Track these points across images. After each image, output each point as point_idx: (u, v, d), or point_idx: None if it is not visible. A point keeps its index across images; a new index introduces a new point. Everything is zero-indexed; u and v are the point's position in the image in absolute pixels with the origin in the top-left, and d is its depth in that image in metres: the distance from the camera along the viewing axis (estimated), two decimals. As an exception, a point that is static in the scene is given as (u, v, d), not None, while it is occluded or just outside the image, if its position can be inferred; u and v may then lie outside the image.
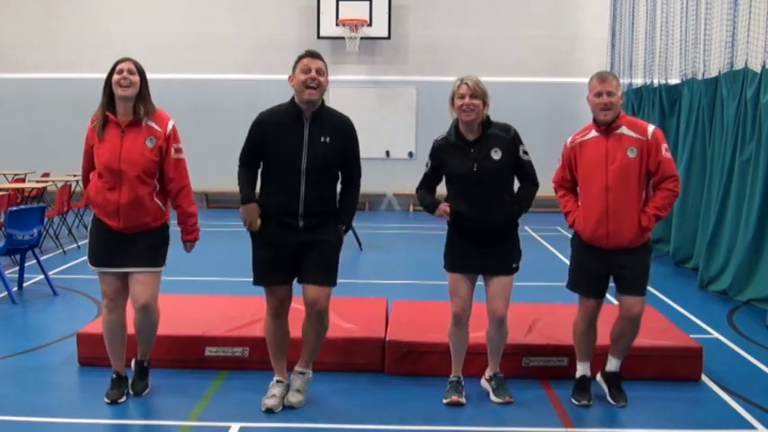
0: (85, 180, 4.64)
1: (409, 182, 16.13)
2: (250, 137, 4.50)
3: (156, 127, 4.47)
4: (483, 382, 4.88)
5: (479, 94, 4.46)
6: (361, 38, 15.48)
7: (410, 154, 16.20)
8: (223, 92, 16.00)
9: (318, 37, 15.33)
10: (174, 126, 4.55)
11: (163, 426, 4.40)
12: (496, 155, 4.50)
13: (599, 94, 4.50)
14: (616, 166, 4.48)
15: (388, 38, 15.73)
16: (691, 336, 5.60)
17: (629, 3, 13.01)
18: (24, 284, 7.84)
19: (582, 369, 4.81)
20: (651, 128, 4.58)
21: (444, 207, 4.59)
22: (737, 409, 4.71)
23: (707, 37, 9.28)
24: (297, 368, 4.65)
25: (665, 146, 4.55)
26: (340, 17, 15.44)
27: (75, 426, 4.40)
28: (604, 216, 4.49)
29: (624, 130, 4.55)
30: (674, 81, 10.66)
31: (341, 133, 4.45)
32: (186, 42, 15.93)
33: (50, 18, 16.01)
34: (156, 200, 4.52)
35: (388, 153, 16.09)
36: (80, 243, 10.65)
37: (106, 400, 4.62)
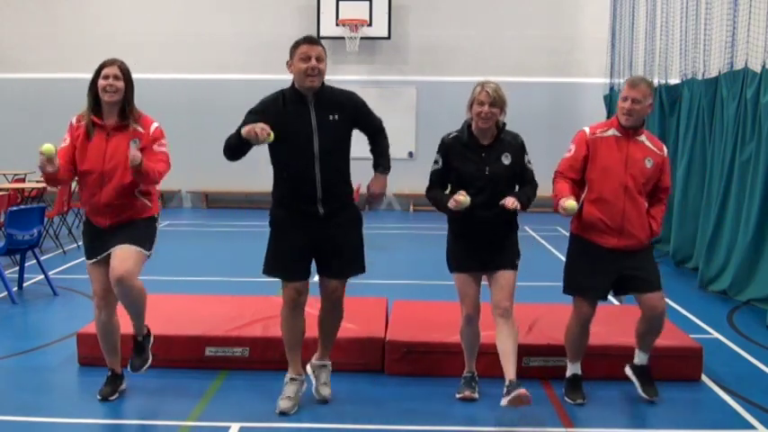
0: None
1: (409, 182, 16.26)
2: (247, 117, 4.30)
3: (140, 129, 4.49)
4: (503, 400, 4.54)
5: (498, 102, 4.47)
6: (361, 38, 15.47)
7: (410, 154, 16.20)
8: (223, 92, 15.98)
9: (318, 37, 15.28)
10: (156, 127, 4.55)
11: (163, 426, 4.40)
12: (507, 160, 4.56)
13: (625, 99, 4.58)
14: (636, 171, 4.57)
15: (388, 38, 15.73)
16: (691, 336, 5.60)
17: (629, 3, 13.01)
18: (24, 284, 7.83)
19: (573, 369, 4.85)
20: (665, 148, 4.79)
21: (458, 197, 4.41)
22: (737, 409, 4.71)
23: (707, 37, 9.28)
24: (316, 361, 4.72)
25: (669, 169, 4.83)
26: (340, 17, 15.44)
27: (75, 426, 4.40)
28: (620, 214, 4.54)
29: (644, 139, 4.66)
30: (674, 81, 10.66)
31: (347, 105, 4.44)
32: (186, 42, 15.93)
33: (50, 18, 16.01)
34: (141, 197, 4.54)
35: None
36: (80, 243, 10.64)
37: (98, 396, 4.66)
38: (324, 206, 4.38)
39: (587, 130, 4.74)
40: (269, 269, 4.53)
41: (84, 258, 4.69)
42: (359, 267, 4.59)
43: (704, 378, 5.19)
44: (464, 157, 4.56)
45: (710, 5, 9.17)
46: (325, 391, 4.66)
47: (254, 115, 4.35)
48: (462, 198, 4.40)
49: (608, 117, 14.11)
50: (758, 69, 7.76)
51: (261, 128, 4.09)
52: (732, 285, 7.81)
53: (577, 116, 15.64)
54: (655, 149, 4.66)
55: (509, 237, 4.66)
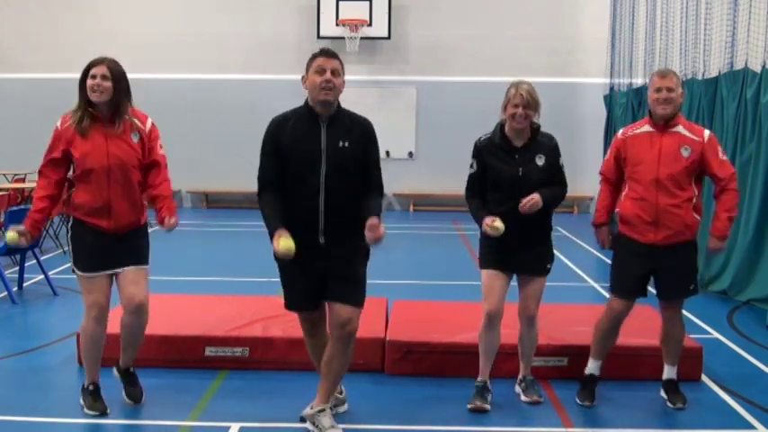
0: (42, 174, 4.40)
1: (409, 182, 16.29)
2: (265, 150, 4.13)
3: (138, 123, 4.46)
4: (516, 386, 4.86)
5: (532, 104, 4.45)
6: (361, 38, 15.47)
7: (410, 154, 16.20)
8: (223, 92, 15.99)
9: (318, 37, 15.33)
10: (152, 123, 4.54)
11: (163, 426, 4.40)
12: (540, 161, 4.55)
13: (659, 90, 4.55)
14: (669, 161, 4.52)
15: (388, 38, 15.73)
16: (691, 336, 5.60)
17: (629, 3, 13.01)
18: (24, 284, 7.84)
19: (592, 367, 4.79)
20: (707, 132, 4.66)
21: (491, 224, 4.40)
22: (737, 409, 4.71)
23: (707, 37, 9.28)
24: (315, 408, 4.18)
25: (720, 149, 4.64)
26: (340, 17, 15.43)
27: (75, 426, 4.40)
28: (654, 208, 4.52)
29: (681, 129, 4.60)
30: (674, 81, 10.65)
31: (360, 136, 4.11)
32: (186, 42, 15.92)
33: (50, 18, 16.01)
34: (140, 198, 4.50)
35: (388, 153, 16.05)
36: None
37: (93, 412, 4.46)
38: (325, 236, 4.05)
39: (620, 132, 4.81)
40: (285, 305, 4.31)
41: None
42: (359, 299, 4.16)
43: (704, 378, 5.19)
44: (497, 158, 4.54)
45: (710, 5, 9.17)
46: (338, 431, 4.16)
47: (267, 149, 4.14)
48: (497, 225, 4.37)
49: (607, 117, 14.18)
50: (758, 69, 7.77)
51: (283, 251, 3.87)
52: (732, 285, 7.81)
53: (577, 116, 15.69)
54: (692, 137, 4.57)
55: (543, 240, 4.65)
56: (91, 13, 15.92)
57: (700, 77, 9.44)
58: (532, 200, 4.41)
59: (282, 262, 4.10)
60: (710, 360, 5.42)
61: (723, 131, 8.52)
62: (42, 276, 7.80)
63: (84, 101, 4.37)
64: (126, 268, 4.44)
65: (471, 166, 4.64)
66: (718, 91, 8.78)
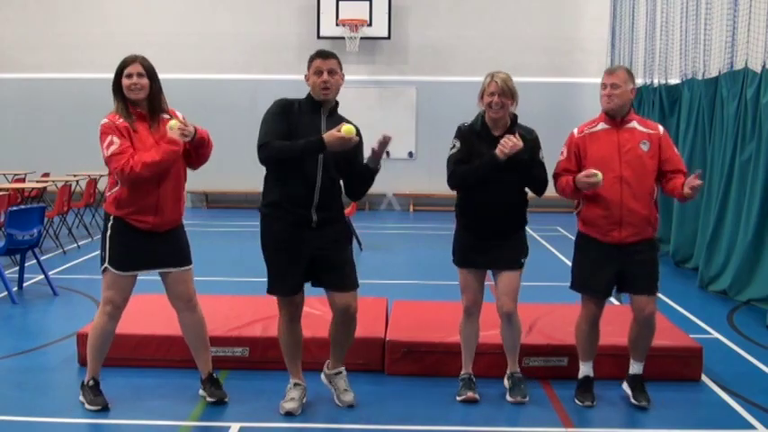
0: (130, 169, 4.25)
1: (409, 182, 16.30)
2: (275, 117, 4.35)
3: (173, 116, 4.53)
4: (505, 380, 4.86)
5: (508, 93, 4.51)
6: (361, 38, 15.47)
7: (410, 154, 16.21)
8: (223, 92, 15.99)
9: (318, 37, 15.33)
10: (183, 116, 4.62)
11: (163, 426, 4.40)
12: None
13: (604, 86, 4.63)
14: (630, 157, 4.55)
15: (388, 38, 15.73)
16: (691, 336, 5.60)
17: (629, 3, 13.01)
18: (24, 284, 7.84)
19: (585, 369, 4.81)
20: (661, 126, 4.77)
21: (506, 142, 4.40)
22: (737, 409, 4.71)
23: (707, 37, 9.29)
24: (332, 370, 4.66)
25: (672, 144, 4.76)
26: (340, 17, 15.44)
27: (75, 426, 4.41)
28: (618, 206, 4.51)
29: (635, 124, 4.66)
30: (674, 81, 10.67)
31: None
32: (186, 42, 15.92)
33: (50, 18, 16.01)
34: (184, 189, 4.60)
35: (388, 153, 15.97)
36: (80, 243, 10.66)
37: (94, 407, 4.49)
38: (317, 213, 4.35)
39: (575, 130, 4.78)
40: (269, 288, 4.48)
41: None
42: (355, 283, 4.54)
43: (704, 378, 5.19)
44: (478, 146, 4.56)
45: (710, 5, 9.18)
46: (348, 397, 4.60)
47: (277, 116, 4.35)
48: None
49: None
50: (758, 69, 7.77)
51: (349, 137, 4.18)
52: (732, 285, 7.81)
53: (577, 116, 15.51)
54: (648, 131, 4.64)
55: (517, 231, 4.67)
56: (91, 14, 15.91)
57: (700, 77, 9.45)
58: (513, 142, 4.40)
59: (275, 247, 4.40)
60: (710, 360, 5.42)
61: (723, 131, 8.53)
62: (42, 276, 7.80)
63: (123, 101, 4.39)
64: (172, 269, 4.53)
65: (453, 147, 4.65)
66: (718, 91, 8.79)
